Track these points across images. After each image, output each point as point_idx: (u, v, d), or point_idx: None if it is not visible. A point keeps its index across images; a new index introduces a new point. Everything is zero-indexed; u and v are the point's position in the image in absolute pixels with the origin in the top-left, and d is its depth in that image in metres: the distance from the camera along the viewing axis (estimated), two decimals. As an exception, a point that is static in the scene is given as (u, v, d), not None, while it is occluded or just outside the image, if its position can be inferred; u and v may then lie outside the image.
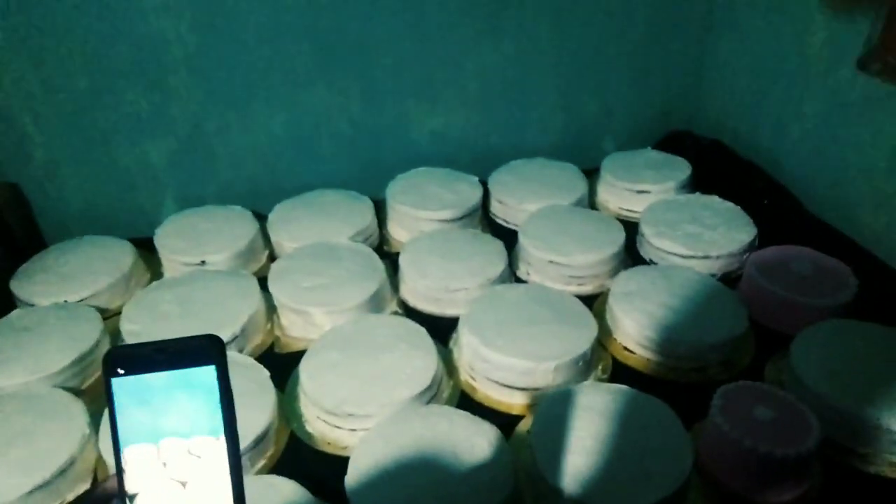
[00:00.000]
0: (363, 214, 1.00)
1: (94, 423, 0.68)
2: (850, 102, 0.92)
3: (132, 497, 0.28)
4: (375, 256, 0.90)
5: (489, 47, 1.08)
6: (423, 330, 0.77)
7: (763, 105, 1.09)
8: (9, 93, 0.92)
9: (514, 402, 0.73)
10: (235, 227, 0.97)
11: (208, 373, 0.28)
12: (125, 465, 0.28)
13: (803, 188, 1.02)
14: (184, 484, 0.28)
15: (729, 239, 0.91)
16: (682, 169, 1.09)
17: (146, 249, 0.97)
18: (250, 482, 0.61)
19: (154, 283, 0.89)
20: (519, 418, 0.71)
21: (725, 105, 1.17)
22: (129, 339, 0.78)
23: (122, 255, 0.93)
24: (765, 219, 0.96)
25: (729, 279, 0.90)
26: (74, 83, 0.94)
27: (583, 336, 0.74)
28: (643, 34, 1.14)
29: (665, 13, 1.12)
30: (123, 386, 0.27)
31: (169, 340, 0.28)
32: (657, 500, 0.56)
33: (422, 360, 0.73)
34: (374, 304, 0.84)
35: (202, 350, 0.28)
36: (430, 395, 0.71)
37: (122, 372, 0.27)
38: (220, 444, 0.28)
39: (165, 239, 0.95)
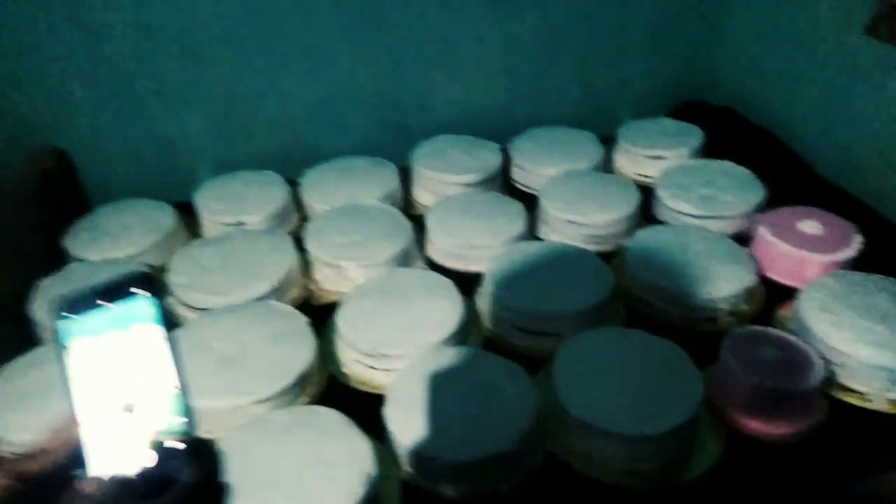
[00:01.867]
0: (390, 178, 1.05)
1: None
2: (859, 67, 0.95)
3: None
4: (402, 216, 0.95)
5: (510, 18, 1.12)
6: (449, 281, 0.82)
7: (774, 72, 1.12)
8: (60, 62, 0.98)
9: (536, 347, 0.78)
10: (269, 190, 1.02)
11: (146, 302, 0.31)
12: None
13: (813, 152, 1.05)
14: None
15: (740, 200, 0.96)
16: (695, 135, 1.12)
17: (184, 213, 1.02)
18: (298, 410, 0.66)
19: (195, 240, 0.94)
20: (540, 363, 0.76)
21: (737, 73, 1.21)
22: (178, 290, 0.84)
23: (164, 215, 0.99)
24: (775, 182, 1.00)
25: (740, 239, 0.94)
26: (119, 53, 0.99)
27: (601, 286, 0.79)
28: (658, 5, 1.17)
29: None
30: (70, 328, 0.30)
31: (105, 282, 0.31)
32: (670, 427, 0.62)
33: (449, 307, 0.78)
34: (403, 259, 0.89)
35: (138, 283, 0.31)
36: (458, 339, 0.77)
37: (70, 315, 0.30)
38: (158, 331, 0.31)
39: (204, 201, 1.01)
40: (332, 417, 0.65)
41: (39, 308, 0.82)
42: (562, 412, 0.65)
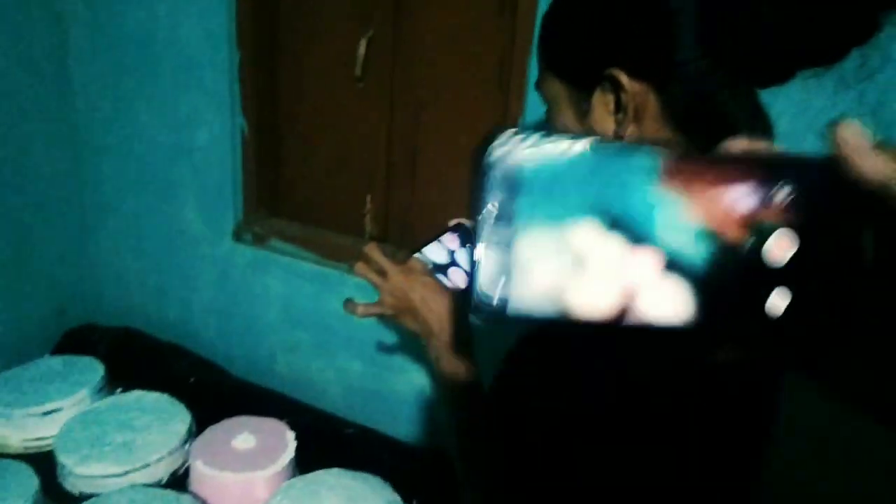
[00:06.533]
0: None
1: None
2: (239, 266, 0.99)
3: None
4: None
5: None
6: None
7: (165, 283, 1.07)
8: None
9: None
10: None
11: None
12: None
13: (223, 355, 1.03)
14: None
15: (166, 435, 0.84)
16: (93, 370, 0.95)
17: None
18: None
19: None
20: None
21: (127, 289, 1.11)
22: None
23: None
24: (198, 397, 0.92)
25: (180, 476, 0.82)
26: None
27: None
28: (8, 239, 0.98)
29: (34, 213, 1.01)
30: None
31: None
32: None
33: None
34: None
35: None
36: None
37: None
38: None
39: None
40: None
41: None
42: None
